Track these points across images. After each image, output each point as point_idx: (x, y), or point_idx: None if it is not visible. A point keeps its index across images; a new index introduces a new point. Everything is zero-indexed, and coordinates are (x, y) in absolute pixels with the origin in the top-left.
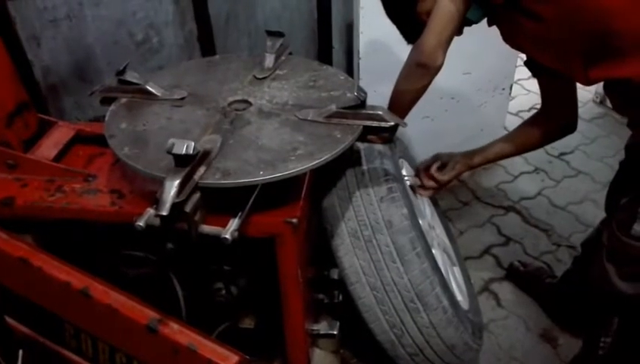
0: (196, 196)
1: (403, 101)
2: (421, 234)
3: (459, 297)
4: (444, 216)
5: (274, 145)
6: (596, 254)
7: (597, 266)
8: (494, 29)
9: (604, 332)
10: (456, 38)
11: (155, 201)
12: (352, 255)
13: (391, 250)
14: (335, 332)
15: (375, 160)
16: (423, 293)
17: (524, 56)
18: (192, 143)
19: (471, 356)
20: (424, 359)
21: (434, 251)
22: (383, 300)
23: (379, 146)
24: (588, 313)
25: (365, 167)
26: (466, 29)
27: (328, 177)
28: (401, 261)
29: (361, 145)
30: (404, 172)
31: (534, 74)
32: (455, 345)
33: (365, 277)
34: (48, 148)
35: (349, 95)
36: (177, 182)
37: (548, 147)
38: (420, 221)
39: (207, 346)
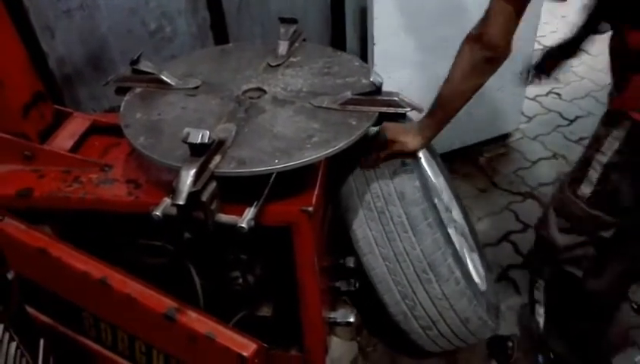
0: (212, 185)
1: (463, 100)
2: (433, 207)
3: (476, 280)
4: (463, 203)
5: (289, 133)
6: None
7: (543, 212)
8: None
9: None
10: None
11: (172, 190)
12: (365, 227)
13: (403, 221)
14: (352, 320)
15: None
16: (435, 263)
17: (541, 40)
18: (208, 132)
19: (486, 332)
20: (437, 335)
21: (449, 230)
22: (395, 270)
23: None
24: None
25: None
26: None
27: (346, 162)
28: (413, 231)
29: None
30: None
31: None
32: (469, 319)
33: (377, 248)
34: (64, 139)
35: (364, 81)
36: (192, 171)
37: (567, 132)
38: (435, 200)
39: (225, 335)
